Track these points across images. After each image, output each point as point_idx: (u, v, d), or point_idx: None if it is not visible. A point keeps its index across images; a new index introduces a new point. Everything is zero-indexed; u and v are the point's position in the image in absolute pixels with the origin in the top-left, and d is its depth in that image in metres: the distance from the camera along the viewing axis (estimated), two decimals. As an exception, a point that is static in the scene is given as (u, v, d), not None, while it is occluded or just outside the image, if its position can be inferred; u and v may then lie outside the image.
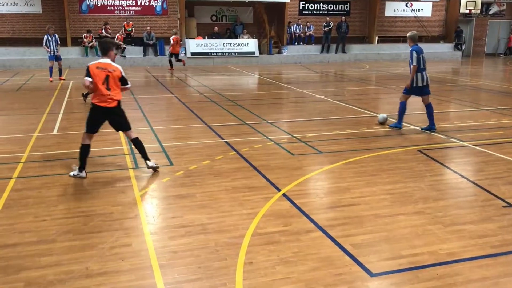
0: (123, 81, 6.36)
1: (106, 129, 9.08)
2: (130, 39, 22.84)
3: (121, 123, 6.43)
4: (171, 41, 19.59)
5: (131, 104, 12.02)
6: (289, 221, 4.87)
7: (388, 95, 13.85)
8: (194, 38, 23.62)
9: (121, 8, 23.51)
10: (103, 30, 22.64)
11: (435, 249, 4.26)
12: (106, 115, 6.24)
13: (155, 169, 6.43)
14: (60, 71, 17.10)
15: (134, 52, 22.84)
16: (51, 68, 16.68)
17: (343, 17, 25.52)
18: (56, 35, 16.78)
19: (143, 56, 22.80)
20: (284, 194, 5.63)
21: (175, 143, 8.08)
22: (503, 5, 29.76)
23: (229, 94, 13.58)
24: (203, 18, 24.91)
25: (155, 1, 23.90)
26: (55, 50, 16.51)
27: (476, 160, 7.22)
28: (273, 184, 5.97)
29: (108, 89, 6.13)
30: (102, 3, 23.24)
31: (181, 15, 23.41)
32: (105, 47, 6.30)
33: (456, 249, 4.26)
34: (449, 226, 4.74)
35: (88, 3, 23.00)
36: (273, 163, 6.87)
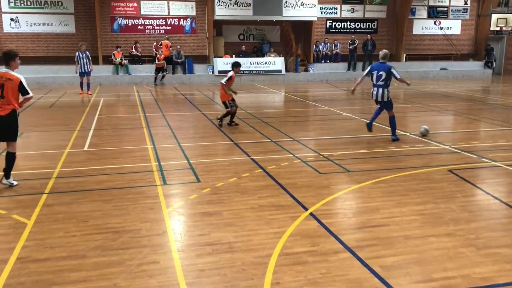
0: (23, 90, 6.45)
1: (136, 145, 9.25)
2: (171, 60, 23.15)
3: (7, 132, 6.46)
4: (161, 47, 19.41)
5: (160, 121, 12.20)
6: (316, 241, 4.82)
7: (416, 113, 13.66)
8: (221, 57, 23.91)
9: (151, 28, 24.05)
10: (133, 48, 23.17)
11: (468, 273, 4.13)
12: None
13: (10, 185, 6.53)
14: (88, 85, 17.83)
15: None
16: (81, 83, 17.90)
17: (369, 35, 25.46)
18: (87, 52, 17.53)
19: (172, 74, 23.18)
20: (311, 214, 5.58)
21: (203, 160, 8.14)
22: (535, 22, 29.17)
23: (255, 112, 13.64)
24: (231, 37, 25.23)
25: (184, 21, 24.37)
26: (84, 67, 17.31)
27: (509, 181, 7.02)
28: (300, 203, 5.93)
29: (2, 97, 6.27)
30: (133, 23, 23.82)
31: (210, 34, 23.78)
32: (7, 57, 6.44)
33: (490, 274, 4.12)
34: (482, 249, 4.60)
35: (119, 22, 23.61)
36: (300, 182, 6.83)
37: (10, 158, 6.54)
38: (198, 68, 23.70)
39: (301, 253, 4.53)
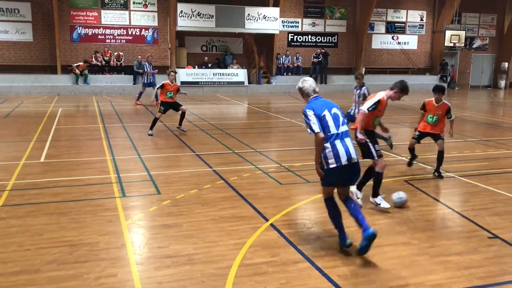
0: None
1: (94, 157, 9.07)
2: (104, 67, 22.89)
3: None
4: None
5: (120, 132, 12.02)
6: (276, 251, 4.85)
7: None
8: (184, 68, 23.85)
9: (112, 37, 23.74)
10: (93, 58, 22.79)
11: (422, 281, 4.26)
12: None
13: None
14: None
15: (124, 80, 22.96)
16: (141, 93, 18.64)
17: (323, 49, 25.98)
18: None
19: (133, 84, 22.91)
20: (271, 224, 5.62)
21: (163, 172, 8.07)
22: (486, 39, 30.59)
23: (218, 123, 13.65)
24: (194, 48, 25.22)
25: (146, 31, 24.20)
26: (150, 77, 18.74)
27: (462, 191, 7.30)
28: (260, 214, 5.97)
29: None
30: (94, 32, 23.45)
31: (172, 45, 23.69)
32: None
33: (442, 280, 4.26)
34: (436, 257, 4.76)
35: (79, 31, 23.19)
36: (261, 193, 6.88)
37: None
38: (161, 79, 23.42)
39: (261, 264, 4.55)
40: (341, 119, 4.71)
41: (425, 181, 7.75)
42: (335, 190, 4.95)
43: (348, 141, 4.68)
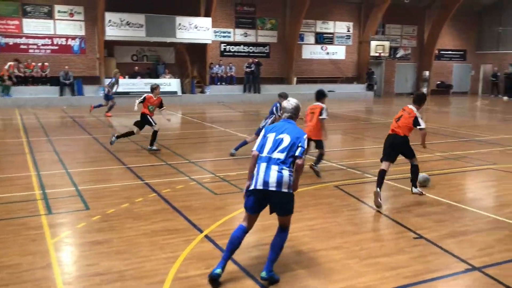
0: None
1: (17, 173, 8.56)
2: (28, 78, 21.84)
3: None
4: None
5: (46, 146, 11.45)
6: (211, 263, 4.80)
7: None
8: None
9: (35, 47, 22.65)
10: (15, 68, 21.58)
11: (353, 283, 4.38)
12: None
13: None
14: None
15: (50, 92, 21.95)
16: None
17: (255, 59, 26.34)
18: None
19: (60, 96, 21.97)
20: (206, 236, 5.56)
21: (92, 186, 7.76)
22: (408, 49, 32.36)
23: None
24: (124, 57, 24.61)
25: (72, 41, 23.32)
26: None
27: (388, 194, 7.61)
28: (195, 226, 5.89)
29: None
30: (15, 42, 22.26)
31: (101, 55, 23.00)
32: None
33: (372, 282, 4.41)
34: (366, 260, 4.91)
35: (-1, 41, 21.95)
36: (195, 204, 6.80)
37: None
38: (89, 90, 22.74)
39: (195, 276, 4.48)
40: (282, 146, 4.37)
41: (354, 185, 8.01)
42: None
43: (274, 169, 4.31)
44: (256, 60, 26.17)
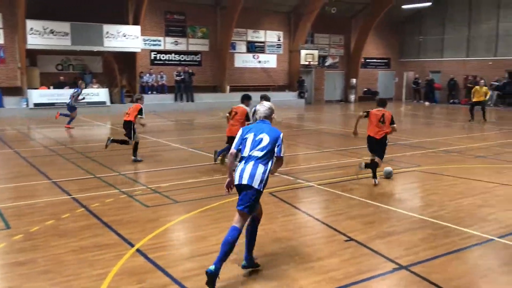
0: None
1: None
2: None
3: None
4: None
5: (-39, 162, 10.64)
6: (143, 277, 4.65)
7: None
8: (37, 88, 22.10)
9: None
10: None
11: (288, 289, 4.40)
12: None
13: None
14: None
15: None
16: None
17: (186, 67, 26.21)
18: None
19: (-22, 107, 20.59)
20: (138, 250, 5.39)
21: (14, 204, 7.29)
22: (336, 58, 33.50)
23: (78, 146, 12.84)
24: (48, 67, 23.48)
25: (-10, 49, 21.98)
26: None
27: (321, 199, 7.78)
28: (126, 240, 5.68)
29: None
30: None
31: (22, 64, 21.81)
32: None
33: (308, 286, 4.45)
34: (301, 265, 4.97)
35: None
36: (126, 217, 6.57)
37: None
38: (10, 101, 21.47)
39: (126, 293, 4.32)
40: (262, 145, 4.64)
41: (287, 191, 8.10)
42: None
43: (255, 165, 4.58)
44: (187, 68, 26.00)
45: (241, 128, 4.95)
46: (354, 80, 33.21)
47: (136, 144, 10.89)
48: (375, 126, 8.51)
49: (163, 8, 26.21)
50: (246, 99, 9.85)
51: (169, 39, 26.66)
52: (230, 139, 9.44)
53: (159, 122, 19.79)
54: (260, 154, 4.62)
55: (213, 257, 5.12)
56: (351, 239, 5.72)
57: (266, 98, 8.52)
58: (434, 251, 5.36)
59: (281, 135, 4.77)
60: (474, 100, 19.40)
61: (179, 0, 26.34)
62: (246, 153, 4.69)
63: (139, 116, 11.03)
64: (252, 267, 4.76)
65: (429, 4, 31.04)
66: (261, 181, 4.57)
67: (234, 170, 4.76)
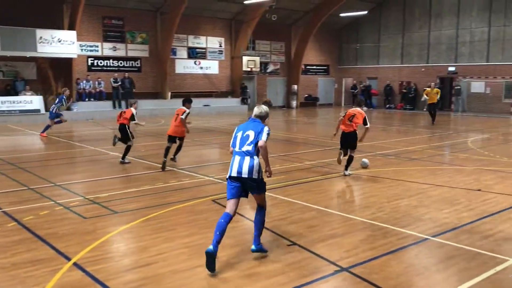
0: None
1: None
2: None
3: None
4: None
5: None
6: (80, 292, 4.45)
7: (183, 148, 14.17)
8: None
9: None
10: None
11: (231, 297, 4.36)
12: None
13: None
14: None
15: None
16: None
17: (126, 73, 25.68)
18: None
19: None
20: (75, 263, 5.15)
21: None
22: (278, 64, 33.97)
23: (9, 157, 12.17)
24: (-26, 73, 22.24)
25: None
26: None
27: (267, 203, 7.79)
28: (62, 254, 5.43)
29: None
30: None
31: None
32: None
33: (250, 293, 4.44)
34: (243, 271, 4.94)
35: None
36: (62, 230, 6.28)
37: None
38: None
39: (62, 310, 4.11)
40: (249, 140, 5.31)
41: (231, 198, 8.06)
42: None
43: (245, 158, 5.25)
44: (128, 75, 25.43)
45: (237, 127, 5.62)
46: (295, 86, 33.79)
47: (129, 147, 11.34)
48: (345, 122, 9.95)
49: (101, 13, 25.53)
50: (187, 102, 10.98)
51: (107, 45, 26.00)
52: (171, 138, 10.74)
53: (96, 130, 19.18)
54: (249, 148, 5.29)
55: (155, 267, 5.04)
56: (294, 243, 5.77)
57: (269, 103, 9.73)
58: (373, 252, 5.51)
59: (265, 127, 5.37)
60: (429, 102, 20.89)
61: (117, 5, 25.77)
62: (237, 148, 5.39)
63: (131, 121, 11.52)
64: (260, 251, 5.33)
65: (365, 12, 32.24)
66: (257, 171, 5.29)
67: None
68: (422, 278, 4.87)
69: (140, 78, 26.89)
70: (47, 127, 16.99)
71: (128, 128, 11.41)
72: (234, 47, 30.82)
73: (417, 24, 31.72)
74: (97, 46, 25.68)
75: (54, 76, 23.54)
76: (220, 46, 30.65)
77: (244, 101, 30.73)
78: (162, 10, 27.07)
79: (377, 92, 33.95)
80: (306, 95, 35.11)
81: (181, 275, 4.86)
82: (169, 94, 27.69)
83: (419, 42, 31.73)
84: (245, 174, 5.22)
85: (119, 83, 24.91)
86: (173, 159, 10.87)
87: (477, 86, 29.01)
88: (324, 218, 6.94)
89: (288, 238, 5.97)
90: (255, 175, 5.26)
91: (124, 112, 11.75)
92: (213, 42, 30.29)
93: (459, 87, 28.63)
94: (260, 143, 5.24)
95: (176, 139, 10.80)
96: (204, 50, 29.98)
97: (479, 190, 8.62)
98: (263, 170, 5.42)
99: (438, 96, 21.14)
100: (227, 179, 5.41)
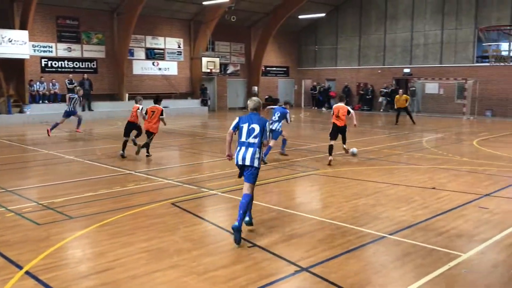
0: None
1: None
2: None
3: None
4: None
5: None
6: (33, 302, 4.28)
7: (142, 151, 13.93)
8: None
9: None
10: None
11: (191, 301, 4.30)
12: None
13: None
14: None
15: None
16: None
17: (85, 75, 25.08)
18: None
19: None
20: (27, 272, 4.95)
21: None
22: (238, 65, 33.97)
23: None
24: None
25: None
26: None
27: (224, 206, 7.77)
28: (13, 262, 5.20)
29: None
30: None
31: None
32: None
33: (210, 297, 4.39)
34: (203, 275, 4.89)
35: None
36: (14, 238, 6.03)
37: None
38: None
39: (13, 322, 3.93)
40: (255, 133, 6.15)
41: (190, 201, 7.98)
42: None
43: (249, 149, 6.14)
44: (87, 76, 24.79)
45: (238, 117, 6.36)
46: (255, 88, 33.88)
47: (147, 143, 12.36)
48: (335, 117, 11.56)
49: (54, 13, 24.78)
50: (159, 101, 12.48)
51: (62, 45, 25.25)
52: (149, 134, 12.20)
53: (52, 133, 18.56)
54: (254, 140, 6.15)
55: (113, 273, 4.93)
56: (254, 245, 5.76)
57: (289, 103, 12.75)
58: (333, 251, 5.57)
59: (267, 124, 6.25)
60: (397, 107, 22.43)
61: (71, 5, 25.07)
62: (243, 139, 6.19)
63: (140, 118, 12.64)
64: (251, 224, 6.40)
65: (323, 15, 32.72)
66: (258, 160, 6.14)
67: (230, 147, 6.47)
68: (379, 275, 4.96)
69: (97, 79, 26.25)
70: (79, 121, 17.42)
71: (138, 125, 12.64)
72: (193, 48, 30.60)
73: (373, 27, 32.46)
74: (51, 47, 24.90)
75: (5, 78, 22.64)
76: (179, 47, 30.36)
77: (204, 103, 30.54)
78: (118, 11, 26.55)
79: (335, 94, 34.55)
80: (267, 96, 35.25)
81: (139, 280, 4.76)
82: (127, 95, 27.17)
83: (375, 44, 32.48)
84: (247, 161, 6.10)
85: (75, 85, 24.23)
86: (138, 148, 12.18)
87: (431, 87, 29.97)
88: (284, 218, 6.96)
89: (248, 239, 5.95)
90: (255, 164, 6.12)
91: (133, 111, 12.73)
92: (171, 43, 29.96)
93: (414, 88, 29.48)
94: (265, 142, 6.27)
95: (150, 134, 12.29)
96: (162, 51, 29.60)
97: (433, 188, 8.89)
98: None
99: (407, 102, 22.56)
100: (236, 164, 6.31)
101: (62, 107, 24.04)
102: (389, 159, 12.32)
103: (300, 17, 32.38)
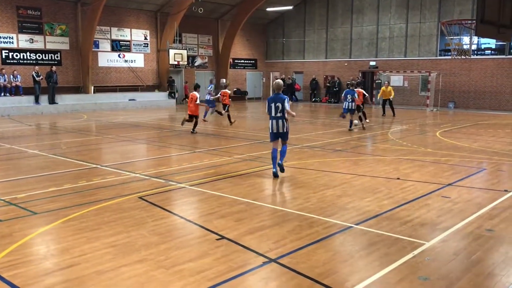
0: None
1: None
2: None
3: None
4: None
5: None
6: (-6, 301, 4.17)
7: (108, 144, 13.72)
8: None
9: None
10: None
11: (159, 295, 4.28)
12: None
13: None
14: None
15: None
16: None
17: (53, 66, 24.45)
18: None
19: None
20: (-12, 270, 4.81)
21: None
22: (205, 58, 33.74)
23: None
24: None
25: None
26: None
27: (192, 199, 7.74)
28: (-27, 260, 5.05)
29: None
30: None
31: None
32: None
33: (178, 290, 4.37)
34: (171, 268, 4.87)
35: None
36: (-26, 235, 5.84)
37: None
38: None
39: (-27, 321, 3.82)
40: (279, 109, 8.89)
41: (158, 195, 7.91)
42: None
43: (279, 121, 8.98)
44: (54, 68, 24.15)
45: (267, 99, 9.16)
46: (224, 80, 33.69)
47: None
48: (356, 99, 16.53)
49: (14, 3, 24.03)
50: (198, 87, 16.62)
51: (23, 37, 24.52)
52: (191, 117, 15.90)
53: (13, 127, 18.04)
54: (280, 114, 8.94)
55: (78, 269, 4.85)
56: (223, 237, 5.77)
57: (354, 84, 17.63)
58: (300, 242, 5.64)
59: (286, 99, 8.96)
60: (383, 98, 23.49)
61: (33, -5, 24.34)
62: (274, 114, 8.98)
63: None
64: (282, 167, 9.23)
65: (290, 8, 32.82)
66: (286, 127, 9.06)
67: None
68: (346, 265, 5.05)
69: (61, 71, 25.64)
70: (206, 113, 19.20)
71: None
72: (160, 40, 30.21)
73: (340, 20, 32.79)
74: (12, 38, 24.13)
75: (-37, 70, 21.83)
76: (145, 38, 29.92)
77: (171, 95, 30.23)
78: (83, 1, 25.93)
79: (299, 88, 34.80)
80: (235, 89, 35.21)
81: (106, 275, 4.69)
82: (92, 88, 26.64)
83: (342, 37, 32.84)
84: (280, 130, 9.00)
85: (41, 78, 23.56)
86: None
87: (396, 80, 30.55)
88: (253, 210, 6.99)
89: (217, 232, 5.95)
90: (286, 130, 9.05)
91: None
92: (137, 35, 29.49)
93: (379, 81, 29.98)
94: (286, 111, 8.89)
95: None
96: (128, 43, 29.11)
97: (398, 178, 9.09)
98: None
99: (392, 94, 23.34)
100: (270, 133, 9.16)
101: (24, 100, 23.53)
102: (355, 151, 12.52)
103: (268, 9, 32.39)
